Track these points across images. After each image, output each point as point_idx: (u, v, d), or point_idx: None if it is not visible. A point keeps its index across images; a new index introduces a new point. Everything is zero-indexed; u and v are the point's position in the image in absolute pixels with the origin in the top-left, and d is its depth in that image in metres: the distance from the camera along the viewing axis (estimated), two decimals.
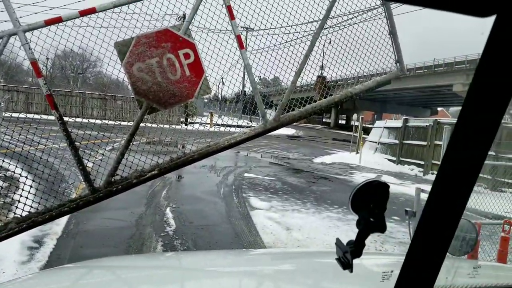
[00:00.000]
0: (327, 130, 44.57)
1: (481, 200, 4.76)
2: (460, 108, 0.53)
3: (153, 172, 2.62)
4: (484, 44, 0.49)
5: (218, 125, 3.61)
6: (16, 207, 2.50)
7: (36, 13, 2.96)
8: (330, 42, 3.06)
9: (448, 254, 0.73)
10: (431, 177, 12.74)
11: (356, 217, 0.77)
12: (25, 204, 2.51)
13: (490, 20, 0.46)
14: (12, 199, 2.88)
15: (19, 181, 3.03)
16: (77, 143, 2.55)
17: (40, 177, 2.68)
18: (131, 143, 2.63)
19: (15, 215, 2.46)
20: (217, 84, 4.22)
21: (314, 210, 7.11)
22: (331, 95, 3.03)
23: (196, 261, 1.77)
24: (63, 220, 5.35)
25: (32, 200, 2.56)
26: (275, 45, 3.21)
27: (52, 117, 2.49)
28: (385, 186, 0.75)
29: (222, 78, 3.02)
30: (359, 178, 11.60)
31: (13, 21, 2.31)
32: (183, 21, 2.60)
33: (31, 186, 2.59)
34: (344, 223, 6.32)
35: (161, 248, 4.85)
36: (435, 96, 45.11)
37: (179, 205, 6.87)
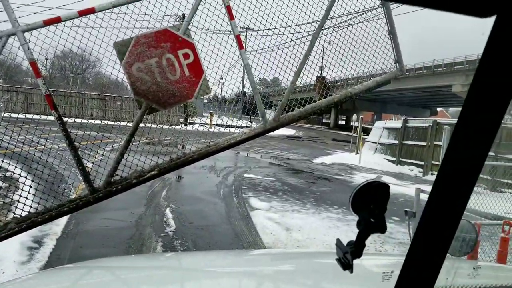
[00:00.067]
0: (327, 131, 44.58)
1: (481, 201, 4.76)
2: (459, 108, 0.53)
3: (152, 172, 2.62)
4: (484, 44, 0.48)
5: (218, 125, 3.60)
6: (16, 207, 2.49)
7: (35, 13, 2.96)
8: (329, 43, 3.06)
9: (448, 254, 0.73)
10: (431, 177, 12.75)
11: (356, 218, 0.77)
12: (24, 204, 2.51)
13: (490, 21, 0.46)
14: (12, 199, 2.87)
15: (18, 182, 3.03)
16: (76, 144, 2.54)
17: (39, 178, 2.67)
18: (130, 143, 2.63)
19: (15, 215, 2.46)
20: (217, 84, 4.22)
21: (314, 211, 7.11)
22: (330, 95, 3.03)
23: (196, 261, 1.77)
24: (63, 220, 5.34)
25: (32, 201, 2.55)
26: (274, 45, 3.21)
27: (51, 118, 2.49)
28: (386, 186, 0.74)
29: (222, 78, 3.02)
30: (359, 178, 11.61)
31: (12, 21, 2.30)
32: (183, 21, 2.60)
33: (30, 187, 2.59)
34: (344, 224, 6.32)
35: (161, 249, 4.85)
36: (434, 96, 45.15)
37: (179, 206, 6.87)
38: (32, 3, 3.33)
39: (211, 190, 8.47)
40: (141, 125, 2.63)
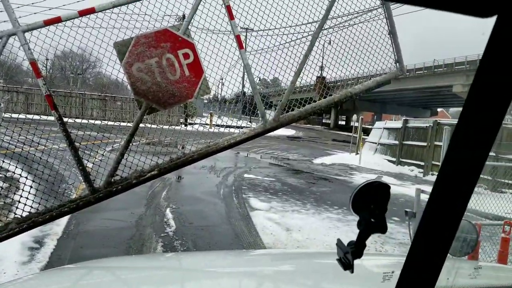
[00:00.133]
0: (327, 131, 44.58)
1: (482, 201, 4.76)
2: (460, 109, 0.53)
3: (152, 173, 2.62)
4: (485, 44, 0.48)
5: (218, 125, 3.60)
6: (17, 208, 2.49)
7: (35, 13, 2.96)
8: (330, 43, 3.06)
9: (448, 255, 0.73)
10: (431, 178, 12.75)
11: (356, 218, 0.77)
12: (25, 204, 2.51)
13: (491, 21, 0.46)
14: (13, 199, 2.87)
15: (19, 182, 3.03)
16: (77, 144, 2.54)
17: (40, 178, 2.67)
18: (130, 144, 2.63)
19: (16, 216, 2.46)
20: (217, 85, 4.22)
21: (314, 211, 7.11)
22: (330, 95, 3.03)
23: (196, 261, 1.77)
24: (63, 220, 5.35)
25: (33, 201, 2.55)
26: (274, 45, 3.21)
27: (51, 118, 2.49)
28: (386, 186, 0.74)
29: (222, 78, 3.02)
30: (359, 179, 11.60)
31: (12, 21, 2.31)
32: (183, 21, 2.60)
33: (31, 187, 2.59)
34: (344, 224, 6.32)
35: (161, 249, 4.85)
36: (435, 97, 45.14)
37: (179, 206, 6.87)
38: (32, 3, 3.33)
39: (211, 190, 8.47)
40: (141, 125, 2.64)
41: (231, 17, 2.63)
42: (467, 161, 0.53)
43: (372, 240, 5.34)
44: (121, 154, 2.58)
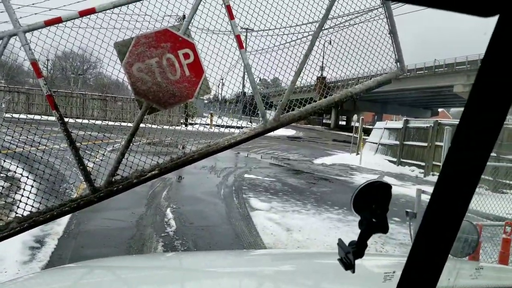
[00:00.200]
0: (327, 131, 44.56)
1: (483, 202, 4.75)
2: (461, 109, 0.53)
3: (153, 172, 2.62)
4: (486, 44, 0.48)
5: (218, 126, 3.60)
6: (18, 207, 2.50)
7: (35, 13, 2.97)
8: (330, 43, 3.06)
9: (450, 255, 0.73)
10: (432, 178, 12.73)
11: (357, 218, 0.77)
12: (26, 203, 2.51)
13: (493, 20, 0.46)
14: (14, 199, 2.88)
15: (20, 181, 3.04)
16: (77, 144, 2.55)
17: (41, 177, 2.68)
18: (131, 143, 2.64)
19: (17, 215, 2.46)
20: (217, 85, 4.22)
21: (315, 211, 7.11)
22: (331, 95, 3.03)
23: (196, 261, 1.77)
24: (64, 220, 5.35)
25: (33, 200, 2.56)
26: (274, 45, 3.21)
27: (52, 118, 2.49)
28: (387, 186, 0.74)
29: (222, 78, 3.02)
30: (360, 179, 11.59)
31: (13, 21, 2.31)
32: (183, 22, 2.60)
33: (32, 186, 2.60)
34: (344, 224, 6.31)
35: (161, 249, 4.85)
36: (436, 97, 45.09)
37: (179, 206, 6.87)
38: (33, 4, 3.33)
39: (211, 190, 8.47)
40: (141, 125, 2.64)
41: (231, 17, 2.63)
42: (469, 161, 0.53)
43: (373, 241, 5.34)
44: (122, 154, 2.59)
